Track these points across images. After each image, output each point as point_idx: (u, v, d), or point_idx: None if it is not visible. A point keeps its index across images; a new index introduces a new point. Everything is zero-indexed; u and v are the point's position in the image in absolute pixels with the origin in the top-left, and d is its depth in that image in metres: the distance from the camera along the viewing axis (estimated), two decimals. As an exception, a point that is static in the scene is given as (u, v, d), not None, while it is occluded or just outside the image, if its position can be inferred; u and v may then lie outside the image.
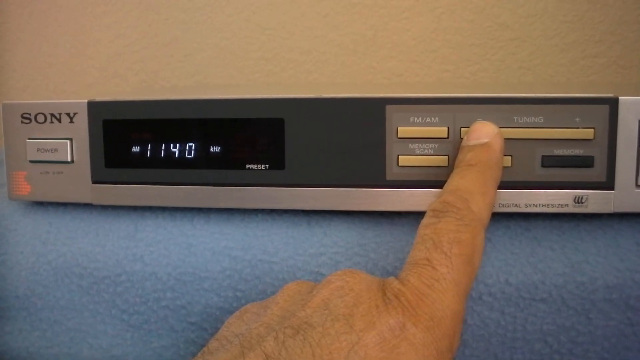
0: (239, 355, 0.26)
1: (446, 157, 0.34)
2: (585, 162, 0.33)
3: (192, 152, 0.36)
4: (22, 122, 0.38)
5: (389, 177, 0.35)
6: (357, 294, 0.27)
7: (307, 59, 0.69)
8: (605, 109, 0.33)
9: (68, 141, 0.38)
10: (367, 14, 0.67)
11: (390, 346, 0.25)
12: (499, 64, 0.65)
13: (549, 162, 0.33)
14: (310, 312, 0.27)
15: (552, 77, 0.65)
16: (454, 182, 0.31)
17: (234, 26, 0.70)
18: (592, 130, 0.33)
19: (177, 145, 0.37)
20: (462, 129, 0.34)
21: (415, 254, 0.28)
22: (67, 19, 0.74)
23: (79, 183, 0.38)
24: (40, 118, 0.38)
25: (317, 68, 0.69)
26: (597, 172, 0.33)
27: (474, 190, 0.31)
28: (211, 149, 0.36)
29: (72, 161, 0.38)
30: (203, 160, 0.36)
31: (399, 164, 0.34)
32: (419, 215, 0.31)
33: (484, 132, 0.33)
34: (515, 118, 0.33)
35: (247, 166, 0.36)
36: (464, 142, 0.33)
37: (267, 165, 0.36)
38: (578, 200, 0.33)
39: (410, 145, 0.34)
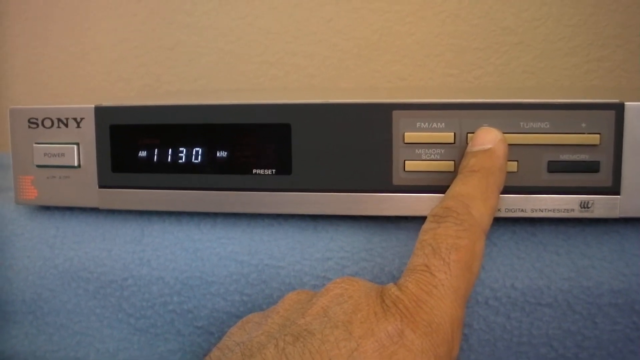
0: None
1: (452, 162, 0.34)
2: (591, 167, 0.33)
3: (199, 157, 0.37)
4: (29, 126, 0.39)
5: (395, 182, 0.35)
6: (355, 301, 0.27)
7: (310, 63, 0.69)
8: (611, 114, 0.33)
9: (75, 146, 0.38)
10: (371, 18, 0.68)
11: (388, 353, 0.25)
12: (503, 68, 0.66)
13: (555, 167, 0.33)
14: (310, 319, 0.27)
15: (556, 82, 0.65)
16: (456, 187, 0.32)
17: (238, 30, 0.70)
18: (598, 135, 0.33)
19: (184, 150, 0.37)
20: (469, 134, 0.34)
21: (414, 260, 0.28)
22: (70, 23, 0.74)
23: (85, 187, 0.38)
24: (47, 123, 0.38)
25: (321, 72, 0.69)
26: (603, 177, 0.33)
27: (475, 195, 0.31)
28: (218, 154, 0.36)
29: (79, 166, 0.38)
30: (210, 165, 0.36)
31: (406, 169, 0.34)
32: (425, 220, 0.31)
33: (488, 138, 0.33)
34: (522, 123, 0.33)
35: (254, 171, 0.36)
36: (467, 148, 0.33)
37: (273, 170, 0.36)
38: (584, 205, 0.33)
39: (416, 150, 0.34)
